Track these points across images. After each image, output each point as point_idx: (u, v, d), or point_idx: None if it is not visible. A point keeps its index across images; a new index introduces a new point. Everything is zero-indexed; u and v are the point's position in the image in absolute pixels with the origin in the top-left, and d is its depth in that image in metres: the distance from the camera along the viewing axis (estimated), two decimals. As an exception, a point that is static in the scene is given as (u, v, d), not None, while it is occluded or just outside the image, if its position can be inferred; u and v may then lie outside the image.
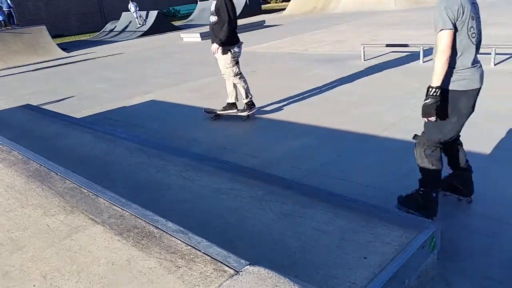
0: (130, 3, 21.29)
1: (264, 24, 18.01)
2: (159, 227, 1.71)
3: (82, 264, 1.57)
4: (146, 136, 4.89)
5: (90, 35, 24.14)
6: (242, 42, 5.24)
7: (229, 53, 5.06)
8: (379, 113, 5.06)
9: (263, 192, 2.44)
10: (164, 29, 20.31)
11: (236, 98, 5.45)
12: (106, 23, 24.35)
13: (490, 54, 6.59)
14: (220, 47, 4.99)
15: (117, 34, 21.39)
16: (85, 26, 27.08)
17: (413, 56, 7.64)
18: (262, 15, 24.15)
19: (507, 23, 10.46)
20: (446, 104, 2.59)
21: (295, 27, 16.01)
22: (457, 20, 2.43)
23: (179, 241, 1.59)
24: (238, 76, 5.27)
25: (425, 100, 2.59)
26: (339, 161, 3.93)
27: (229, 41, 4.99)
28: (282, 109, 5.77)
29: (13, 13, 17.44)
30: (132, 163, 3.21)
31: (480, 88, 2.63)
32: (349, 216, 2.09)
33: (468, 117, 2.71)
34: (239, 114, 5.44)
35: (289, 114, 5.49)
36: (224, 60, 5.13)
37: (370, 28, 12.77)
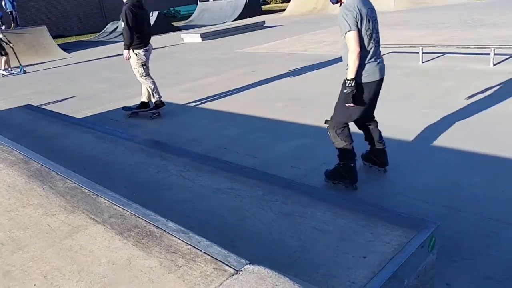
0: None
1: (264, 25, 18.01)
2: (160, 226, 1.71)
3: (83, 263, 1.58)
4: (146, 136, 4.90)
5: (91, 36, 24.14)
6: (150, 47, 5.82)
7: (135, 55, 5.60)
8: (379, 113, 5.05)
9: (263, 192, 2.45)
10: (165, 29, 20.31)
11: (149, 97, 6.06)
12: (107, 24, 24.34)
13: (489, 54, 6.59)
14: (128, 51, 5.61)
15: (119, 35, 21.39)
16: (86, 27, 27.09)
17: (413, 57, 7.64)
18: (262, 16, 24.15)
19: (507, 23, 10.46)
20: (361, 93, 3.07)
21: (295, 27, 16.02)
22: (357, 23, 2.90)
23: (179, 241, 1.59)
24: (144, 78, 5.82)
25: (344, 90, 3.03)
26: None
27: (136, 45, 5.56)
28: (282, 109, 5.78)
29: (15, 15, 17.47)
30: (133, 163, 3.22)
31: (380, 79, 3.11)
32: (349, 216, 2.10)
33: (371, 102, 3.21)
34: (148, 112, 6.08)
35: (289, 114, 5.49)
36: (132, 62, 5.72)
37: (370, 29, 12.76)
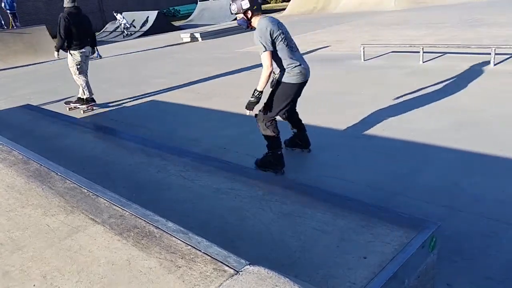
0: (118, 15, 21.12)
1: (264, 24, 17.99)
2: (159, 227, 1.71)
3: (82, 264, 1.58)
4: (146, 136, 4.90)
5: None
6: (88, 49, 6.58)
7: (71, 56, 6.42)
8: (379, 113, 5.06)
9: (263, 192, 2.44)
10: (164, 29, 20.28)
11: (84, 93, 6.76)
12: (106, 24, 24.30)
13: (490, 54, 6.59)
14: (56, 52, 6.59)
15: (119, 35, 21.37)
16: (85, 26, 27.01)
17: (413, 56, 7.64)
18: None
19: (508, 23, 10.46)
20: (271, 98, 3.61)
21: (295, 27, 15.99)
22: (273, 40, 3.39)
23: (179, 241, 1.59)
24: (77, 76, 6.58)
25: (250, 98, 3.53)
26: (338, 161, 3.93)
27: (72, 47, 6.37)
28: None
29: (17, 16, 17.47)
30: (132, 163, 3.22)
31: (306, 81, 3.60)
32: (349, 216, 2.10)
33: (296, 99, 3.72)
34: (79, 107, 6.76)
35: (289, 114, 5.48)
36: (68, 61, 6.54)
37: (370, 28, 12.77)
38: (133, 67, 11.27)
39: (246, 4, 3.49)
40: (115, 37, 21.20)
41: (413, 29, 11.50)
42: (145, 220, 1.77)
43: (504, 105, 4.82)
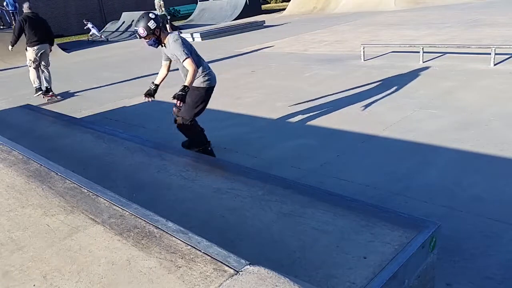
0: (88, 23, 21.11)
1: (264, 24, 18.01)
2: (159, 227, 1.71)
3: (82, 264, 1.58)
4: (146, 136, 4.89)
5: (90, 35, 24.09)
6: (43, 46, 7.76)
7: (26, 51, 7.71)
8: (379, 113, 5.07)
9: (263, 192, 2.44)
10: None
11: (42, 84, 7.99)
12: (106, 24, 24.32)
13: (490, 54, 6.59)
14: (10, 46, 7.97)
15: (120, 34, 21.38)
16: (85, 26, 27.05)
17: (413, 56, 7.64)
18: (262, 15, 24.14)
19: (508, 23, 10.46)
20: (190, 102, 3.91)
21: (295, 27, 16.01)
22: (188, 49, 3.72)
23: (179, 241, 1.59)
24: (30, 67, 7.84)
25: (181, 92, 3.67)
26: (338, 161, 3.93)
27: (29, 44, 7.66)
28: (282, 109, 5.77)
29: (17, 16, 17.49)
30: (132, 163, 3.22)
31: (214, 85, 4.09)
32: (349, 216, 2.10)
33: (207, 103, 4.13)
34: (49, 98, 8.00)
35: (289, 114, 5.49)
36: (26, 55, 7.82)
37: (370, 28, 12.77)
38: (132, 67, 11.27)
39: (153, 24, 3.76)
40: (115, 37, 21.20)
41: (413, 29, 11.50)
42: (145, 220, 1.77)
43: (504, 105, 4.82)
